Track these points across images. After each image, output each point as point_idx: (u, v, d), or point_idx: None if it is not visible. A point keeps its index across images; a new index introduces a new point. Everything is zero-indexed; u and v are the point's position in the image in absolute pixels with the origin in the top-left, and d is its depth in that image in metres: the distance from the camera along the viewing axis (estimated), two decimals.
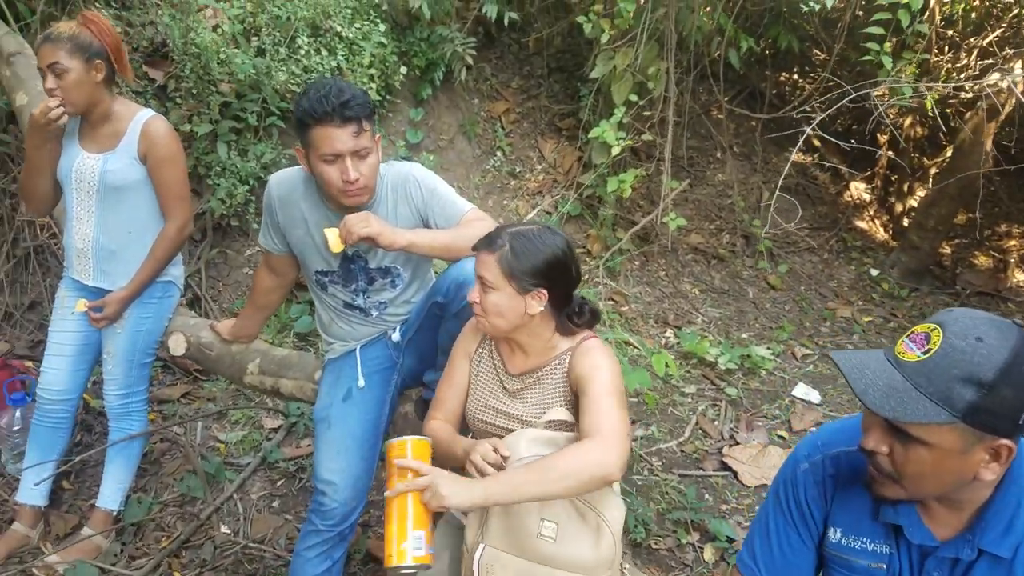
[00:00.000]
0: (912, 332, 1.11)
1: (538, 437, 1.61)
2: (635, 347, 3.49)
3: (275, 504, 2.72)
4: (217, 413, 3.10)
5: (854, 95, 3.30)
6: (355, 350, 2.17)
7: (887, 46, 3.31)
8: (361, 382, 2.11)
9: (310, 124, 1.83)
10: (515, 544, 1.51)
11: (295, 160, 2.06)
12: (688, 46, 4.16)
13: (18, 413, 2.73)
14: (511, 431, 1.68)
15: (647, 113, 4.08)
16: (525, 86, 4.88)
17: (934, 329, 1.08)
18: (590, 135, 3.95)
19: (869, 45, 3.35)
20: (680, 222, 3.87)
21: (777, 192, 3.66)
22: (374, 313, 2.15)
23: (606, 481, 1.46)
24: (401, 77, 3.97)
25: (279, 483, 2.80)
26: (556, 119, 4.81)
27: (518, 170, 4.54)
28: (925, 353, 1.07)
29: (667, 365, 2.91)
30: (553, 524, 1.49)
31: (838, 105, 3.54)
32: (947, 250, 5.22)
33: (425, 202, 2.02)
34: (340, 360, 2.19)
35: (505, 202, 4.31)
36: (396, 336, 2.17)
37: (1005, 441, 1.07)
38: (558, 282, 1.67)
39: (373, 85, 3.76)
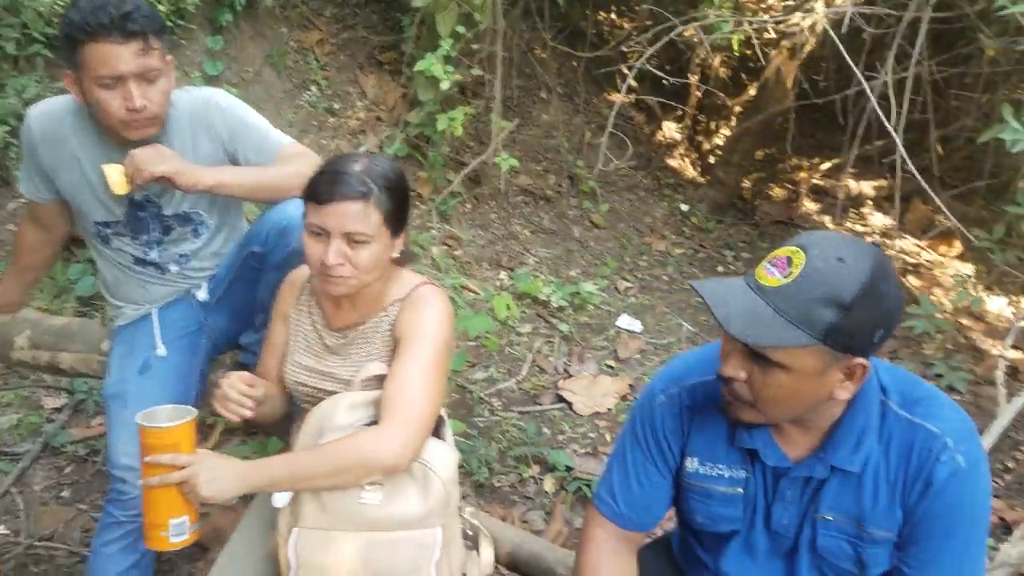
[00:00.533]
0: (773, 256, 1.09)
1: (357, 401, 1.46)
2: (473, 291, 3.48)
3: (64, 494, 2.40)
4: None
5: (677, 31, 3.39)
6: (151, 314, 1.90)
7: None
8: (161, 350, 1.85)
9: (82, 40, 1.52)
10: (337, 518, 1.37)
11: (65, 92, 1.74)
12: None
13: None
14: (334, 393, 1.53)
15: (475, 47, 3.97)
16: (340, 15, 4.58)
17: (796, 252, 1.06)
18: (415, 69, 3.78)
19: None
20: (512, 163, 3.86)
21: (606, 134, 3.74)
22: (173, 269, 1.89)
23: (389, 472, 1.36)
24: (196, 0, 3.55)
25: (67, 470, 2.48)
26: (376, 52, 4.58)
27: (336, 107, 4.28)
28: (787, 277, 1.05)
29: (508, 307, 2.93)
30: (377, 485, 1.38)
31: (658, 44, 3.64)
32: (748, 184, 5.66)
33: (232, 134, 1.77)
34: (132, 326, 1.91)
35: (323, 141, 4.06)
36: (203, 294, 1.92)
37: (860, 360, 1.09)
38: (407, 214, 1.53)
39: (161, 8, 3.33)
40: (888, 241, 5.25)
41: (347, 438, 1.38)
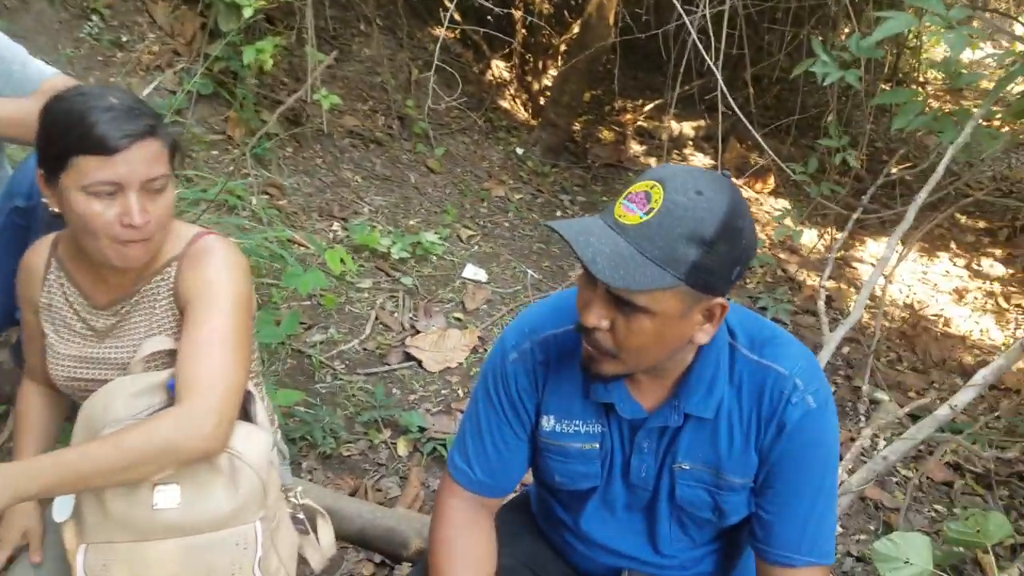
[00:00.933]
0: (630, 192, 1.01)
1: (140, 387, 1.24)
2: (303, 245, 3.13)
3: None
4: None
5: None
6: None
7: None
8: None
9: None
10: (128, 527, 1.16)
11: None
12: None
13: None
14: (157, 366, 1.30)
15: None
16: None
17: (653, 186, 0.99)
18: None
19: None
20: (333, 100, 3.50)
21: (433, 70, 3.48)
22: None
23: (200, 459, 1.17)
24: None
25: None
26: None
27: (124, 39, 3.67)
28: (648, 213, 0.98)
29: (343, 261, 2.63)
30: (171, 487, 1.18)
31: None
32: (578, 127, 5.64)
33: None
34: None
35: (112, 79, 3.47)
36: None
37: (719, 300, 1.05)
38: None
39: None
40: None
41: (142, 424, 1.16)
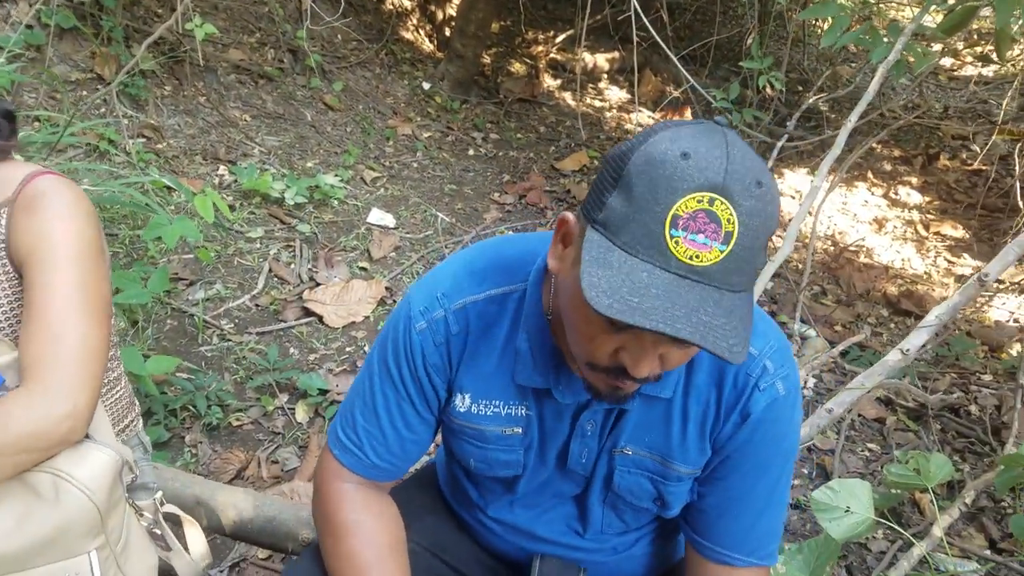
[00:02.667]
0: (680, 217, 0.73)
1: None
2: (177, 192, 2.82)
3: None
4: None
5: None
6: None
7: None
8: None
9: None
10: None
11: None
12: None
13: None
14: None
15: None
16: None
17: (714, 201, 0.73)
18: None
19: None
20: (209, 29, 3.13)
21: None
22: None
23: (56, 449, 1.01)
24: None
25: None
26: None
27: None
28: (727, 242, 0.74)
29: (216, 207, 2.34)
30: None
31: None
32: (488, 60, 5.37)
33: None
34: None
35: None
36: None
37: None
38: None
39: None
40: (625, 116, 5.32)
41: None
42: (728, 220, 0.73)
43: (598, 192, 0.80)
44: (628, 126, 5.22)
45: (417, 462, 1.15)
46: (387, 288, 2.89)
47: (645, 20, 2.89)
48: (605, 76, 5.83)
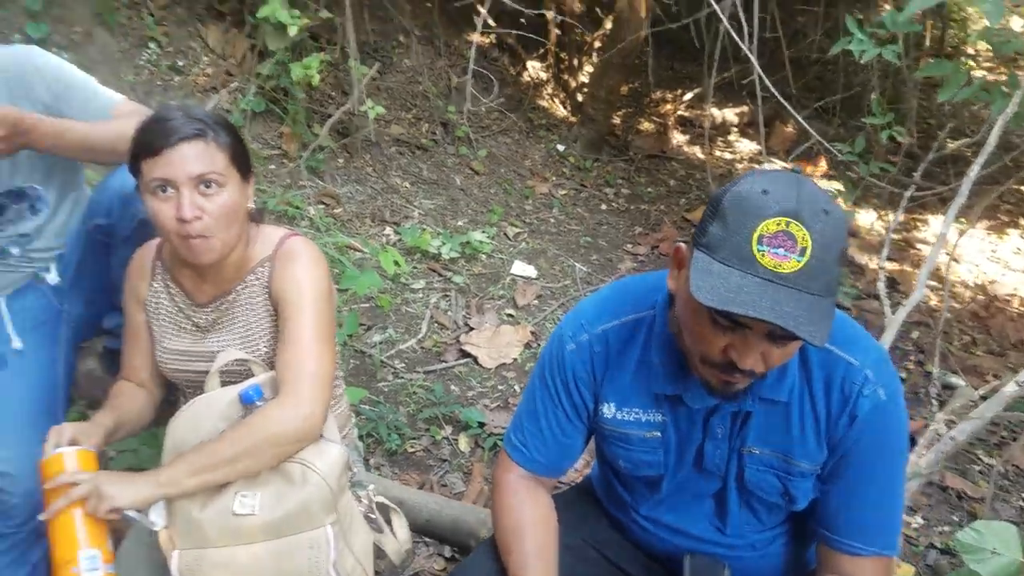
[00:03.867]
0: (763, 236, 0.97)
1: (219, 408, 1.36)
2: (358, 249, 3.25)
3: None
4: None
5: None
6: None
7: None
8: (16, 343, 1.65)
9: None
10: (212, 535, 1.29)
11: None
12: None
13: None
14: (234, 378, 1.42)
15: None
16: None
17: (790, 224, 0.96)
18: (258, 16, 3.45)
19: None
20: (379, 110, 3.62)
21: (469, 75, 3.57)
22: (14, 251, 1.67)
23: (300, 446, 1.32)
24: None
25: None
26: (215, 1, 4.14)
27: (181, 64, 3.86)
28: (803, 255, 0.96)
29: (396, 263, 2.73)
30: (251, 495, 1.30)
31: None
32: (618, 120, 5.67)
33: (55, 97, 1.55)
34: None
35: (172, 101, 3.65)
36: (53, 277, 1.72)
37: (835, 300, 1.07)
38: (249, 156, 1.41)
39: None
40: (756, 166, 5.44)
41: (249, 419, 1.31)
42: (803, 238, 0.97)
43: (702, 224, 1.05)
44: None
45: (571, 465, 1.40)
46: (532, 332, 3.17)
47: (767, 82, 3.08)
48: (735, 129, 5.98)
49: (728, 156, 5.62)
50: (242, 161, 1.37)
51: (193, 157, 1.28)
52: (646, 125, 5.87)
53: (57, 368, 1.68)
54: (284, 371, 1.35)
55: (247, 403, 1.35)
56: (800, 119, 3.26)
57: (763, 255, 0.97)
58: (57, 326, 1.71)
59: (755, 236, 0.97)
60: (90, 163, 1.73)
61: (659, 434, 1.26)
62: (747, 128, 5.90)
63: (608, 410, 1.28)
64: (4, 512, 1.52)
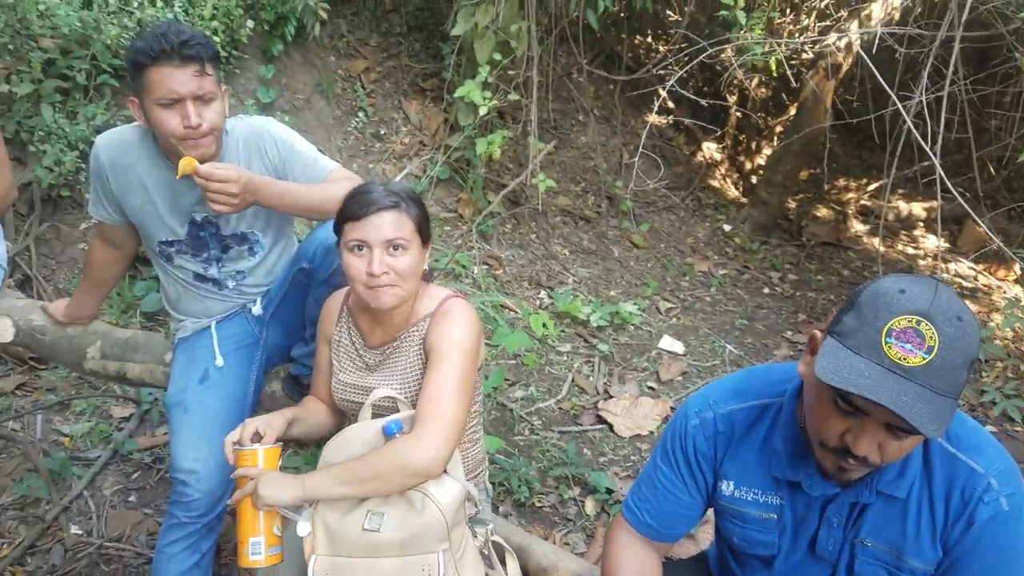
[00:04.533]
0: (893, 330, 1.04)
1: (367, 435, 1.56)
2: (512, 309, 3.49)
3: (132, 499, 2.50)
4: (58, 404, 2.80)
5: (711, 51, 3.41)
6: (210, 327, 2.00)
7: (740, 1, 3.43)
8: (219, 360, 1.95)
9: (145, 65, 1.63)
10: (344, 545, 1.48)
11: (130, 120, 1.85)
12: (548, 5, 4.14)
13: None
14: (383, 412, 1.64)
15: (511, 73, 4.04)
16: (384, 44, 4.70)
17: (920, 322, 1.02)
18: (455, 95, 3.86)
19: (725, 0, 3.47)
20: (549, 184, 3.88)
21: (639, 154, 3.75)
22: (230, 285, 1.99)
23: (422, 479, 1.47)
24: (248, 31, 3.69)
25: (135, 476, 2.58)
26: (419, 79, 4.68)
27: (383, 132, 4.38)
28: (929, 353, 1.01)
29: (544, 325, 2.92)
30: (379, 514, 1.48)
31: (691, 64, 3.65)
32: (792, 205, 5.58)
33: (284, 160, 1.86)
34: (193, 339, 2.01)
35: (370, 165, 4.15)
36: (257, 309, 2.02)
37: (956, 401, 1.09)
38: (430, 227, 1.65)
39: (217, 39, 3.47)
40: (942, 264, 5.11)
41: (386, 447, 1.49)
42: (931, 337, 1.02)
43: (838, 314, 1.12)
44: (944, 276, 5.01)
45: (682, 535, 1.45)
46: (672, 408, 3.20)
47: (948, 183, 2.98)
48: (921, 224, 5.67)
49: (911, 251, 5.32)
50: (424, 230, 1.62)
51: (386, 224, 1.52)
52: (823, 212, 5.73)
53: (248, 387, 1.98)
54: (421, 412, 1.52)
55: (388, 434, 1.56)
56: (978, 220, 3.10)
57: (890, 347, 1.02)
58: (255, 351, 2.02)
59: (885, 329, 1.03)
60: (309, 218, 2.04)
61: (775, 516, 1.30)
62: (935, 223, 5.56)
63: (727, 487, 1.34)
64: (187, 504, 1.81)
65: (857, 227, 5.56)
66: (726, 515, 1.36)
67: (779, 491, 1.29)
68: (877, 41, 3.68)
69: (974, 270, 5.02)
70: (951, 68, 3.34)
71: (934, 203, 5.56)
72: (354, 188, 1.62)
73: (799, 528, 1.29)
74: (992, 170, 4.29)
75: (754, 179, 5.73)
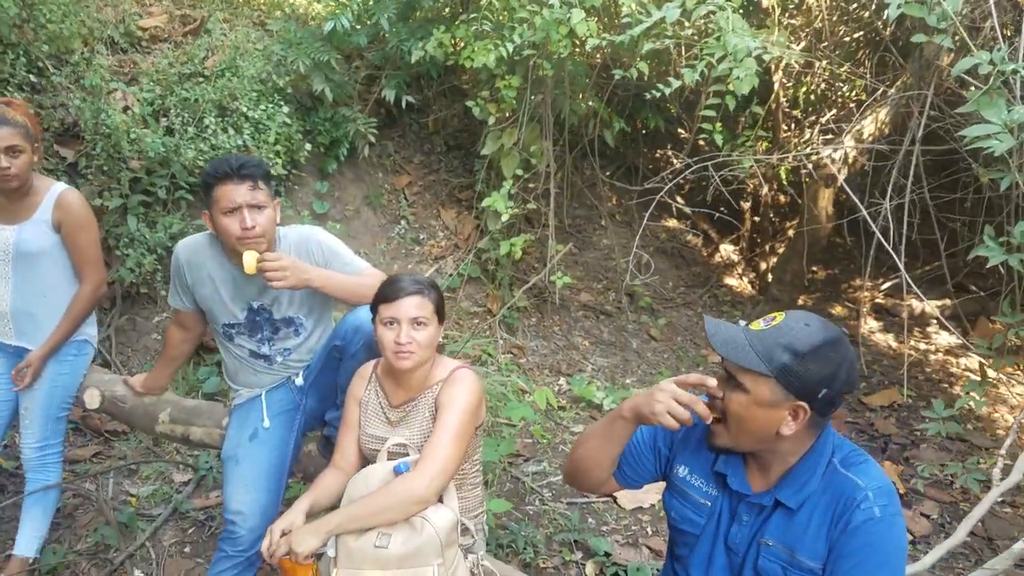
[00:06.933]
0: (768, 316, 1.50)
1: (382, 474, 1.93)
2: (528, 392, 3.84)
3: (187, 550, 2.87)
4: (128, 469, 3.22)
5: (700, 164, 3.84)
6: (260, 395, 2.40)
7: (718, 126, 3.90)
8: (266, 423, 2.34)
9: (213, 184, 2.14)
10: (360, 560, 1.82)
11: (203, 229, 2.36)
12: (566, 127, 4.69)
13: None
14: (397, 456, 2.01)
15: (532, 185, 4.55)
16: (426, 161, 5.30)
17: (781, 314, 1.48)
18: (483, 204, 4.37)
19: (704, 125, 3.94)
20: (566, 280, 4.30)
21: (632, 255, 4.16)
22: (278, 359, 2.39)
23: (419, 506, 1.83)
24: (306, 153, 4.30)
25: (190, 531, 2.96)
26: (455, 191, 5.23)
27: (421, 237, 4.90)
28: (767, 324, 1.45)
29: (548, 400, 3.26)
30: (387, 535, 1.83)
31: (679, 177, 4.08)
32: (809, 302, 5.86)
33: (327, 259, 2.31)
34: (246, 405, 2.42)
35: (410, 266, 4.64)
36: (300, 380, 2.42)
37: (803, 403, 1.43)
38: (445, 310, 2.05)
39: (279, 160, 4.07)
40: (952, 360, 5.29)
41: (388, 484, 1.88)
42: (776, 321, 1.47)
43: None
44: (954, 370, 5.17)
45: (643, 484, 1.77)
46: None
47: (913, 286, 3.30)
48: (935, 321, 5.86)
49: (923, 346, 5.52)
50: (441, 311, 2.04)
51: (412, 306, 1.93)
52: (838, 309, 5.98)
53: (289, 446, 2.37)
54: (423, 453, 1.90)
55: (397, 472, 1.93)
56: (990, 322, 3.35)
57: (755, 321, 1.47)
58: (295, 415, 2.42)
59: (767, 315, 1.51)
60: (339, 303, 2.47)
61: (708, 504, 1.61)
62: (949, 320, 5.75)
63: (682, 471, 1.65)
64: (234, 540, 2.19)
65: (871, 324, 5.79)
66: (674, 491, 1.67)
67: (716, 486, 1.60)
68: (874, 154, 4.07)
69: (983, 363, 5.17)
70: (909, 177, 3.71)
71: (947, 300, 5.78)
72: (389, 277, 2.05)
73: (720, 519, 1.59)
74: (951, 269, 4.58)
75: (769, 278, 6.06)
